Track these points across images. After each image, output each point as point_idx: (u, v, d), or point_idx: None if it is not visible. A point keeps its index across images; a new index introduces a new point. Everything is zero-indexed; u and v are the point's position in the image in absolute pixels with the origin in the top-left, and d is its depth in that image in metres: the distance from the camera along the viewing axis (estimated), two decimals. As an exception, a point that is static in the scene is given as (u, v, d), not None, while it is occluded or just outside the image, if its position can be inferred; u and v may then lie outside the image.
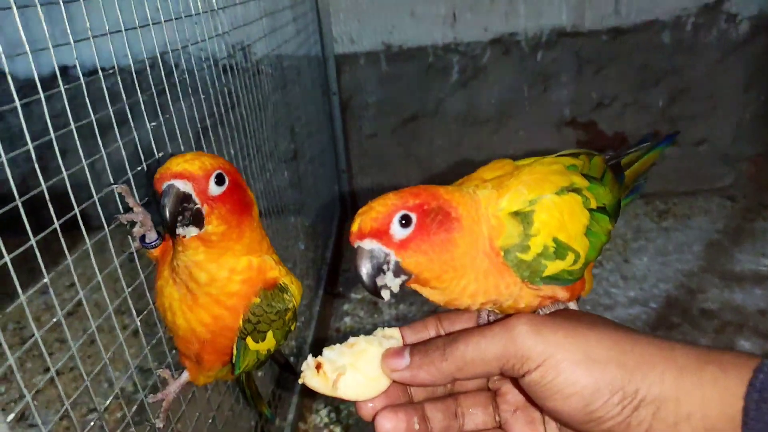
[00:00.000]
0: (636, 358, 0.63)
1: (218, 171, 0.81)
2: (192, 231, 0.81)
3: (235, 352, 0.89)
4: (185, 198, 0.79)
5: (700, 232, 3.19)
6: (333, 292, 2.92)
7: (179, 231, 0.80)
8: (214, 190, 0.81)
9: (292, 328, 0.93)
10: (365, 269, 0.70)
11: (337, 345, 0.76)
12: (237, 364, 0.90)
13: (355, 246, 0.71)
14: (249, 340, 0.89)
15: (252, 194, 0.91)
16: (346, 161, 3.66)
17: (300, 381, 0.74)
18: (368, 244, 0.69)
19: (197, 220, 0.81)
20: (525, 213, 0.71)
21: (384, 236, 0.69)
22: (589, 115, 3.57)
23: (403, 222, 0.69)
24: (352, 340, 0.76)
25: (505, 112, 3.57)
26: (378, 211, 0.69)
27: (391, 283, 0.71)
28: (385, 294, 0.72)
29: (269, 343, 0.91)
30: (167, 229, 0.80)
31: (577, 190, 0.74)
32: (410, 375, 0.71)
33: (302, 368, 0.76)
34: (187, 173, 0.79)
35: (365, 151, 3.70)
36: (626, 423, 0.62)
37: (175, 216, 0.79)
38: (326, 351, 0.76)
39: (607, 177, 0.81)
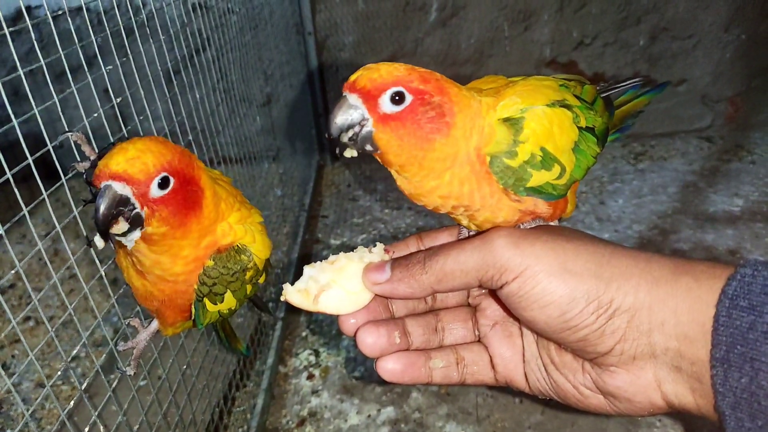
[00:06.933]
0: (612, 269, 0.65)
1: (162, 174, 0.74)
2: (134, 236, 0.76)
3: (193, 311, 0.88)
4: (122, 201, 0.73)
5: (675, 173, 3.22)
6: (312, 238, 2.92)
7: (117, 237, 0.75)
8: (156, 192, 0.74)
9: (261, 281, 0.92)
10: (337, 122, 0.69)
11: (318, 262, 0.76)
12: (197, 321, 0.89)
13: (343, 94, 0.69)
14: (206, 301, 0.87)
15: (206, 178, 0.83)
16: (323, 104, 3.59)
17: (282, 298, 0.74)
18: (354, 101, 0.68)
19: (136, 223, 0.75)
20: (516, 119, 0.71)
21: (371, 101, 0.68)
22: (570, 55, 3.51)
23: (396, 98, 0.67)
24: (332, 257, 0.76)
25: (485, 51, 3.50)
26: (380, 74, 0.67)
27: (352, 148, 0.71)
28: (348, 152, 0.71)
29: (229, 303, 0.89)
30: (99, 232, 0.74)
31: (567, 107, 0.74)
32: (391, 288, 0.72)
33: (283, 286, 0.75)
34: (127, 176, 0.72)
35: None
36: (600, 331, 0.64)
37: (108, 220, 0.73)
38: (307, 268, 0.76)
39: (597, 103, 0.81)
